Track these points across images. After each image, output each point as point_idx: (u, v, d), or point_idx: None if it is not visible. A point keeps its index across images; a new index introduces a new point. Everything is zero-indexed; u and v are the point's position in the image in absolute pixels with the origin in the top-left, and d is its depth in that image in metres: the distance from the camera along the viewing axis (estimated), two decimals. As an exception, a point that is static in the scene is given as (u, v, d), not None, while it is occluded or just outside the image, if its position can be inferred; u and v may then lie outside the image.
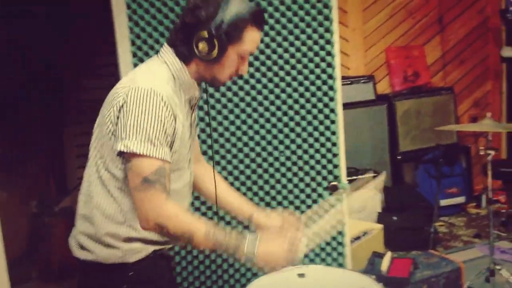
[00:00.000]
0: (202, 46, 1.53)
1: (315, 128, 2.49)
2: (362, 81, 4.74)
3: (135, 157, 1.47)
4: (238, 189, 2.40)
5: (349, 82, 4.70)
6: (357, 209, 4.34)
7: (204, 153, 2.35)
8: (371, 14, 4.89)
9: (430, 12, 5.09)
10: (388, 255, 2.62)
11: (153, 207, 1.47)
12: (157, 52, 1.63)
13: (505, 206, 4.68)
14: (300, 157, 2.49)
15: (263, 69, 2.42)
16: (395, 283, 2.42)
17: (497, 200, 4.87)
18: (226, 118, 2.43)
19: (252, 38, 1.58)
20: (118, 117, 1.50)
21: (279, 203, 2.49)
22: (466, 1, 5.23)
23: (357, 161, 4.59)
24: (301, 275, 1.82)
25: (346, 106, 4.59)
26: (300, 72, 2.45)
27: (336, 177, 2.53)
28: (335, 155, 2.52)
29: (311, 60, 2.45)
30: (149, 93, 1.47)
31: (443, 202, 4.73)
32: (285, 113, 2.46)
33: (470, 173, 5.02)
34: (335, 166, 2.52)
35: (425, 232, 3.89)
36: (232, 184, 2.41)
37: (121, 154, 1.50)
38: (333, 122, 2.51)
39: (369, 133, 4.70)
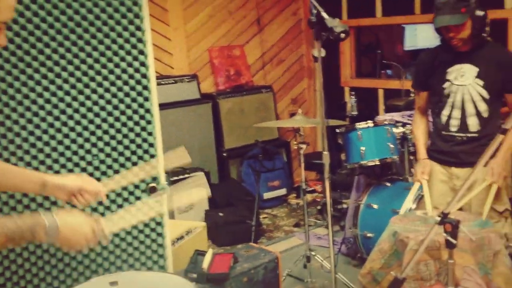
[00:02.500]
0: None
1: (131, 130, 2.42)
2: (186, 80, 4.76)
3: None
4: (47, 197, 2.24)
5: (173, 81, 4.69)
6: (184, 208, 4.36)
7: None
8: (192, 14, 4.93)
9: (249, 13, 5.29)
10: (210, 252, 2.65)
11: None
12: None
13: (321, 195, 5.07)
14: (115, 160, 2.39)
15: (71, 68, 2.28)
16: (216, 279, 2.46)
17: (314, 190, 5.27)
18: (30, 122, 2.24)
19: (5, 4, 1.41)
20: None
21: (94, 209, 2.37)
22: (281, 3, 5.54)
23: (184, 160, 4.61)
24: (113, 283, 1.75)
25: (171, 105, 4.62)
26: (111, 72, 2.35)
27: (154, 179, 2.49)
28: (152, 156, 2.47)
29: (123, 59, 2.36)
30: None
31: (267, 195, 4.97)
32: (97, 115, 2.34)
33: (290, 166, 5.35)
34: (153, 167, 2.47)
35: (248, 225, 4.04)
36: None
37: None
38: (149, 122, 2.46)
39: (195, 131, 4.75)
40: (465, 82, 2.80)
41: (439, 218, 1.82)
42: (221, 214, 4.29)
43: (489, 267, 2.36)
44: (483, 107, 2.79)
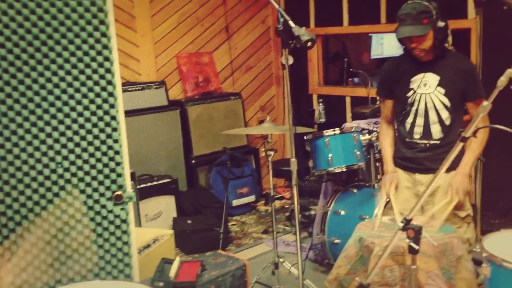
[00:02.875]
0: None
1: (96, 137, 2.39)
2: (154, 86, 4.74)
3: None
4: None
5: (141, 87, 4.66)
6: (152, 216, 4.33)
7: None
8: (160, 20, 4.91)
9: (217, 20, 5.30)
10: (177, 260, 2.63)
11: None
12: None
13: (289, 202, 5.10)
14: (80, 168, 2.36)
15: (34, 74, 2.24)
16: (183, 287, 2.44)
17: (282, 197, 5.29)
18: (-9, 128, 2.19)
19: None
20: None
21: (58, 218, 2.33)
22: (250, 11, 5.57)
23: (152, 168, 4.58)
24: (76, 294, 1.72)
25: (139, 112, 4.58)
26: (76, 78, 2.32)
27: (120, 187, 2.46)
28: (118, 163, 2.44)
29: (88, 66, 2.34)
30: None
31: (236, 202, 4.97)
32: (61, 122, 2.31)
33: (259, 173, 5.36)
34: (119, 175, 2.44)
35: (217, 233, 4.03)
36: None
37: None
38: (115, 129, 2.43)
39: (163, 138, 4.72)
40: (427, 90, 2.86)
41: (402, 224, 1.85)
42: (189, 221, 4.27)
43: (452, 272, 2.41)
44: (445, 115, 2.86)
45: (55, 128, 2.30)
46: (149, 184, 4.33)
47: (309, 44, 2.46)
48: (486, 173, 3.60)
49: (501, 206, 4.06)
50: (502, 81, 1.82)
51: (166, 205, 4.43)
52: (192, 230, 4.16)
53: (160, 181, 4.41)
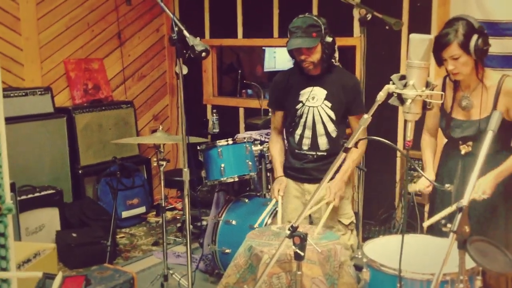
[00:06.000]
0: None
1: (-31, 144, 2.21)
2: (39, 92, 4.49)
3: None
4: None
5: (24, 93, 4.40)
6: (33, 229, 4.08)
7: None
8: (46, 24, 4.67)
9: (109, 26, 5.15)
10: (59, 276, 2.49)
11: None
12: None
13: (181, 213, 5.04)
14: (-50, 177, 2.16)
15: None
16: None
17: (174, 208, 5.23)
18: None
19: None
20: None
21: None
22: (144, 18, 5.47)
23: (35, 178, 4.32)
24: None
25: (21, 119, 4.31)
26: None
27: (-2, 197, 2.29)
28: (-5, 172, 2.27)
29: (-39, 67, 2.17)
30: None
31: (125, 214, 4.83)
32: None
33: (150, 184, 5.25)
34: (-4, 185, 2.28)
35: (103, 246, 3.88)
36: None
37: None
38: (-9, 136, 2.26)
39: (47, 147, 4.48)
40: (315, 104, 2.98)
41: (289, 232, 1.89)
42: (74, 234, 4.07)
43: (335, 277, 2.51)
44: (331, 128, 2.99)
45: None
46: (30, 195, 4.07)
47: (203, 54, 2.47)
48: (367, 182, 3.81)
49: (381, 214, 4.32)
50: (380, 96, 1.94)
51: (49, 217, 4.19)
52: (77, 244, 3.97)
53: (43, 192, 4.16)
